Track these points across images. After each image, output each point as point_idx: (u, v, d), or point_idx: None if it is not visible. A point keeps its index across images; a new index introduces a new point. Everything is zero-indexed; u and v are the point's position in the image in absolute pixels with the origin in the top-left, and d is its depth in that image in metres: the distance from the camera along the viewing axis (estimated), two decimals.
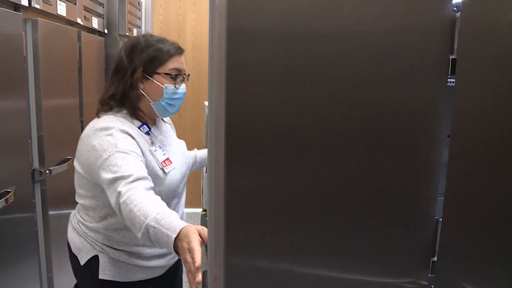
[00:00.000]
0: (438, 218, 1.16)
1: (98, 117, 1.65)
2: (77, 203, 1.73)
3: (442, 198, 1.14)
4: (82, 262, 1.67)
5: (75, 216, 1.75)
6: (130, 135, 1.55)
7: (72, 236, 1.72)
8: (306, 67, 1.04)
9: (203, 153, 2.12)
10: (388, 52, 1.08)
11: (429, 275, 1.17)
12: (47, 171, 2.41)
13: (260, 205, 1.07)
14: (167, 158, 1.67)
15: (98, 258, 1.64)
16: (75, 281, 1.82)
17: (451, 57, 1.09)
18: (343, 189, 1.11)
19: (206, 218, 3.30)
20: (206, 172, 3.30)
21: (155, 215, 1.32)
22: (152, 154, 1.62)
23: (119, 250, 1.64)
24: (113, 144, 1.49)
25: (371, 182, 1.12)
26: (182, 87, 1.68)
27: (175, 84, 1.64)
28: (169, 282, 1.87)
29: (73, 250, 1.71)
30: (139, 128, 1.64)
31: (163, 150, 1.68)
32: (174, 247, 1.29)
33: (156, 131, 1.74)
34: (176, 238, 1.27)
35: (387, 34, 1.07)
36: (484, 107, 1.05)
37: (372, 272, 1.17)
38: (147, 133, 1.66)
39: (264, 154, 1.05)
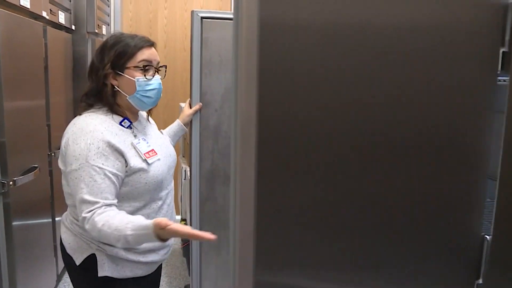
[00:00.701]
0: (484, 235, 1.01)
1: (80, 115, 1.69)
2: (67, 205, 1.75)
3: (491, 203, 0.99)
4: (77, 262, 1.69)
5: (68, 217, 1.76)
6: (105, 139, 1.58)
7: (67, 237, 1.73)
8: (348, 64, 0.90)
9: (169, 130, 2.22)
10: (434, 46, 0.92)
11: None
12: (11, 182, 2.18)
13: (295, 216, 0.94)
14: (152, 150, 1.71)
15: (95, 257, 1.67)
16: None
17: (502, 50, 0.94)
18: (382, 202, 0.96)
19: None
20: (184, 179, 3.09)
21: (126, 225, 1.49)
22: (134, 147, 1.66)
23: (116, 246, 1.66)
24: (84, 156, 1.54)
25: (412, 195, 0.98)
26: (156, 78, 1.71)
27: (145, 75, 1.67)
28: (154, 278, 1.92)
29: (68, 251, 1.72)
30: (120, 123, 1.68)
31: (147, 142, 1.73)
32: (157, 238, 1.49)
33: (139, 125, 1.78)
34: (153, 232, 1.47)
35: (433, 25, 0.92)
36: None
37: None
38: (129, 127, 1.71)
39: (301, 160, 0.92)
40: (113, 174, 1.57)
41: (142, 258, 1.73)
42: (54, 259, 3.03)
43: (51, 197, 2.94)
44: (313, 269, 0.97)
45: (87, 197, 1.52)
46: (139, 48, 1.66)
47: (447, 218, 1.00)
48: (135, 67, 1.66)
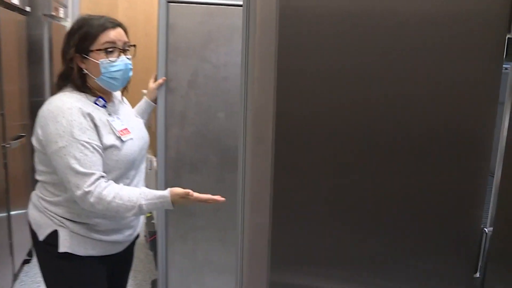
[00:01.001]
0: (483, 228, 0.97)
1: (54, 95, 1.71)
2: (36, 181, 1.78)
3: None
4: (41, 238, 1.72)
5: (36, 194, 1.79)
6: (84, 113, 1.61)
7: (32, 213, 1.77)
8: (372, 56, 0.85)
9: (138, 108, 2.20)
10: (441, 36, 0.88)
11: None
12: None
13: (312, 211, 0.88)
14: (125, 128, 1.76)
15: (57, 233, 1.70)
16: None
17: (508, 36, 0.90)
18: (389, 198, 0.92)
19: (153, 221, 3.01)
20: (150, 169, 2.98)
21: (139, 195, 1.64)
22: (109, 123, 1.70)
23: (79, 223, 1.71)
24: (69, 132, 1.57)
25: (415, 190, 0.94)
26: (121, 59, 1.71)
27: (107, 57, 1.68)
28: (124, 261, 1.98)
29: (33, 226, 1.76)
30: (94, 102, 1.71)
31: (121, 121, 1.77)
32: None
33: (113, 106, 1.81)
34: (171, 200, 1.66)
35: (440, 13, 0.87)
36: None
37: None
38: (104, 106, 1.73)
39: (317, 153, 0.86)
40: (99, 147, 1.63)
41: (104, 237, 1.77)
42: (10, 257, 2.87)
43: (6, 191, 2.78)
44: (327, 267, 0.93)
45: (82, 169, 1.57)
46: (102, 30, 1.67)
47: (448, 212, 0.96)
48: (98, 50, 1.67)
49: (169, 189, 1.69)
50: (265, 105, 0.77)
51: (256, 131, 0.78)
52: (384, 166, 0.91)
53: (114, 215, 1.70)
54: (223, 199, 1.68)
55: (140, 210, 1.65)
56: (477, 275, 0.99)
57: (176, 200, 1.68)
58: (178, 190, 1.69)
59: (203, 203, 1.71)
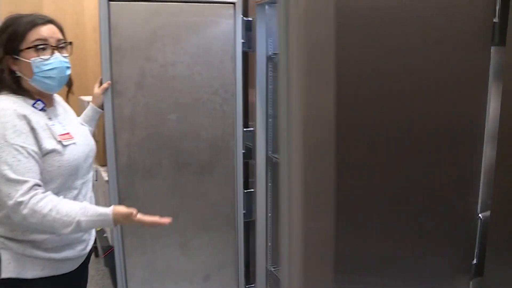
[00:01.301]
0: (479, 215, 0.98)
1: None
2: None
3: None
4: None
5: None
6: (19, 115, 1.50)
7: None
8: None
9: (84, 116, 2.08)
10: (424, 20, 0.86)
11: (471, 281, 1.00)
12: None
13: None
14: (67, 133, 1.65)
15: None
16: None
17: (494, 20, 0.90)
18: (402, 190, 0.89)
19: (105, 235, 2.84)
20: (96, 180, 2.81)
21: (78, 211, 1.51)
22: (49, 128, 1.58)
23: (24, 241, 1.56)
24: (1, 135, 1.46)
25: (421, 179, 0.92)
26: (55, 57, 1.61)
27: (39, 55, 1.58)
28: (76, 281, 1.81)
29: None
30: (33, 105, 1.60)
31: (63, 126, 1.67)
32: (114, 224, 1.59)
33: (54, 111, 1.71)
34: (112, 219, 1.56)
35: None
36: None
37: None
38: (43, 110, 1.62)
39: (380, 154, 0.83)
40: (36, 152, 1.51)
41: (54, 255, 1.62)
42: None
43: None
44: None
45: (14, 176, 1.44)
46: (31, 27, 1.56)
47: (447, 201, 0.96)
48: (28, 48, 1.56)
49: (112, 206, 1.59)
50: (322, 104, 0.71)
51: (311, 133, 0.72)
52: (390, 161, 0.90)
53: (50, 231, 1.56)
54: (169, 220, 1.60)
55: (78, 226, 1.51)
56: (474, 261, 1.00)
57: (118, 220, 1.57)
58: (122, 209, 1.58)
59: (148, 226, 1.63)
